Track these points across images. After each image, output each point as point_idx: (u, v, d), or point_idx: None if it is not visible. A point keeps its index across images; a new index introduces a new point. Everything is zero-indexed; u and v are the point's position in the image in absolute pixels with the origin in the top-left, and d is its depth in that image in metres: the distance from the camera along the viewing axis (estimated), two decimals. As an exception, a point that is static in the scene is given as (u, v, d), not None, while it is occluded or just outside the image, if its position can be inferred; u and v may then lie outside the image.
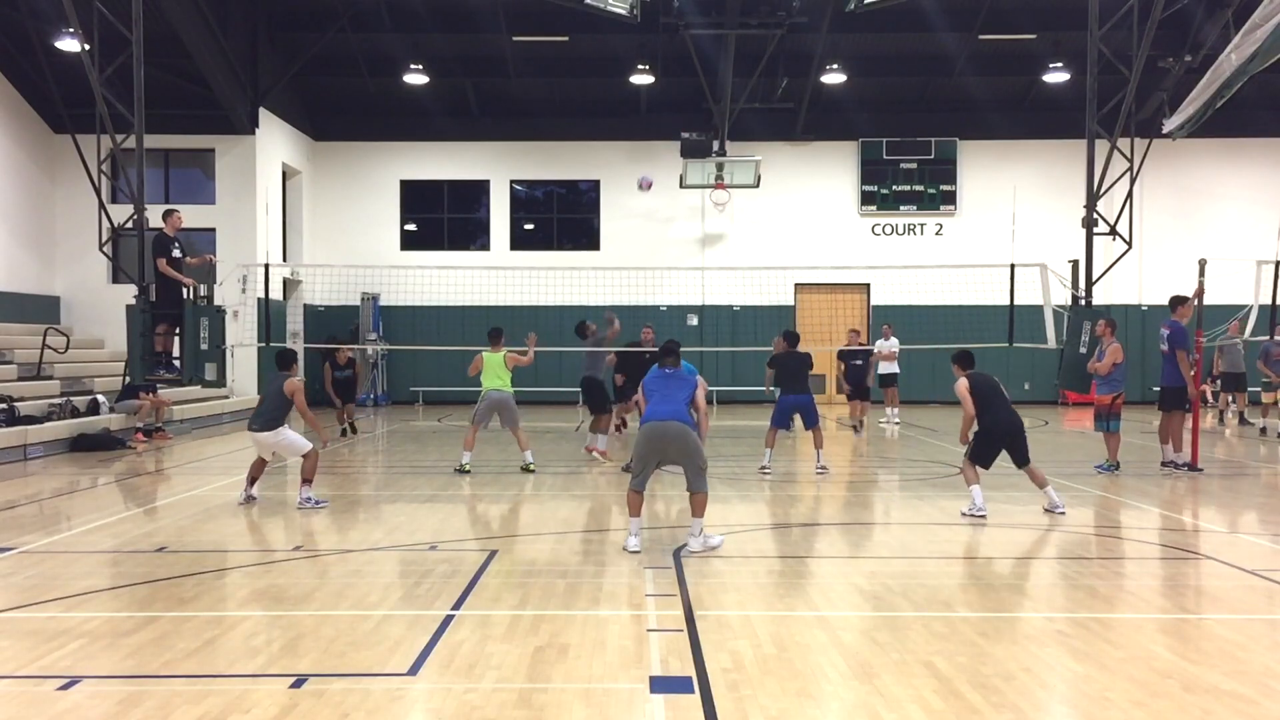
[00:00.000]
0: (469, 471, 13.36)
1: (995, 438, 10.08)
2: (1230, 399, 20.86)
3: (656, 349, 14.51)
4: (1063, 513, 10.02)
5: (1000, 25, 23.94)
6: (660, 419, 8.37)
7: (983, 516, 9.82)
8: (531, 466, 13.81)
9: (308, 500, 10.47)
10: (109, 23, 15.56)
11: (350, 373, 18.05)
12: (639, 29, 22.63)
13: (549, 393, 24.11)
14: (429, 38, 24.37)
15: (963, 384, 10.28)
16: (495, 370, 13.67)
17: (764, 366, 17.13)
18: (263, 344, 17.44)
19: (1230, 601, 6.98)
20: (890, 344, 20.83)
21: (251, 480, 10.83)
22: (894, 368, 21.02)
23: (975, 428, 10.22)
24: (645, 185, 14.01)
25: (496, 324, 14.68)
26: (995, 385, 10.31)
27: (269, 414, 10.55)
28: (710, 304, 26.32)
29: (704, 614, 6.42)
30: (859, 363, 19.17)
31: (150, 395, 17.27)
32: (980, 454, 10.11)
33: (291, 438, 10.62)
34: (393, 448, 17.07)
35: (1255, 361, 19.08)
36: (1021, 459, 10.14)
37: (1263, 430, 18.22)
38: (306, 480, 10.52)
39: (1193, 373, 13.30)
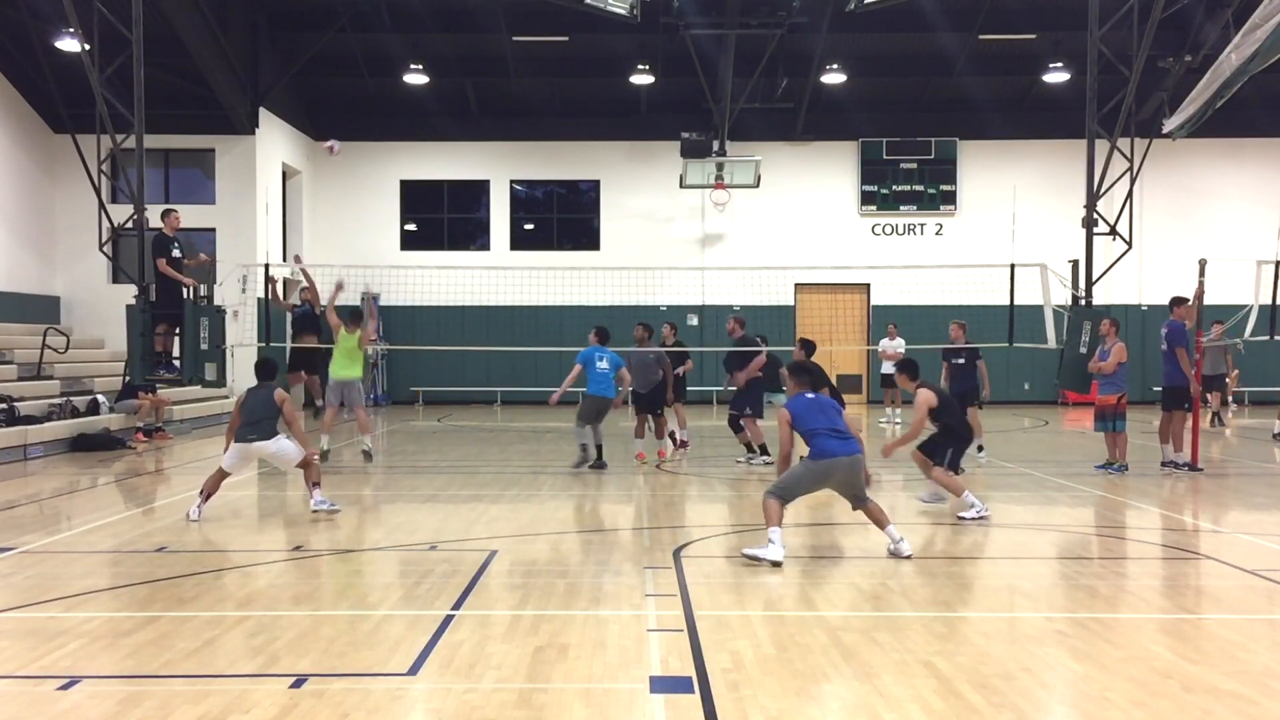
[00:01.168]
0: (328, 453, 13.64)
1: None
2: (1204, 399, 20.73)
3: (677, 347, 14.69)
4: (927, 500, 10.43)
5: (1000, 25, 23.93)
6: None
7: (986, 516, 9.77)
8: (369, 453, 13.96)
9: (323, 504, 10.07)
10: (109, 23, 15.55)
11: (308, 308, 15.95)
12: (639, 29, 22.62)
13: (548, 392, 24.04)
14: (429, 38, 24.37)
15: (929, 397, 10.05)
16: (347, 353, 13.44)
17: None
18: (263, 344, 17.42)
19: (1230, 601, 6.98)
20: (896, 344, 20.82)
21: (208, 495, 10.03)
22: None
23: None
24: (332, 150, 13.56)
25: (498, 323, 14.62)
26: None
27: (265, 423, 10.02)
28: (710, 304, 26.31)
29: (704, 614, 6.42)
30: (960, 361, 18.58)
31: (149, 395, 17.26)
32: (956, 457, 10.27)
33: (287, 446, 10.16)
34: (393, 448, 17.06)
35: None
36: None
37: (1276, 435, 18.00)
38: (316, 484, 10.13)
39: (1193, 372, 13.30)
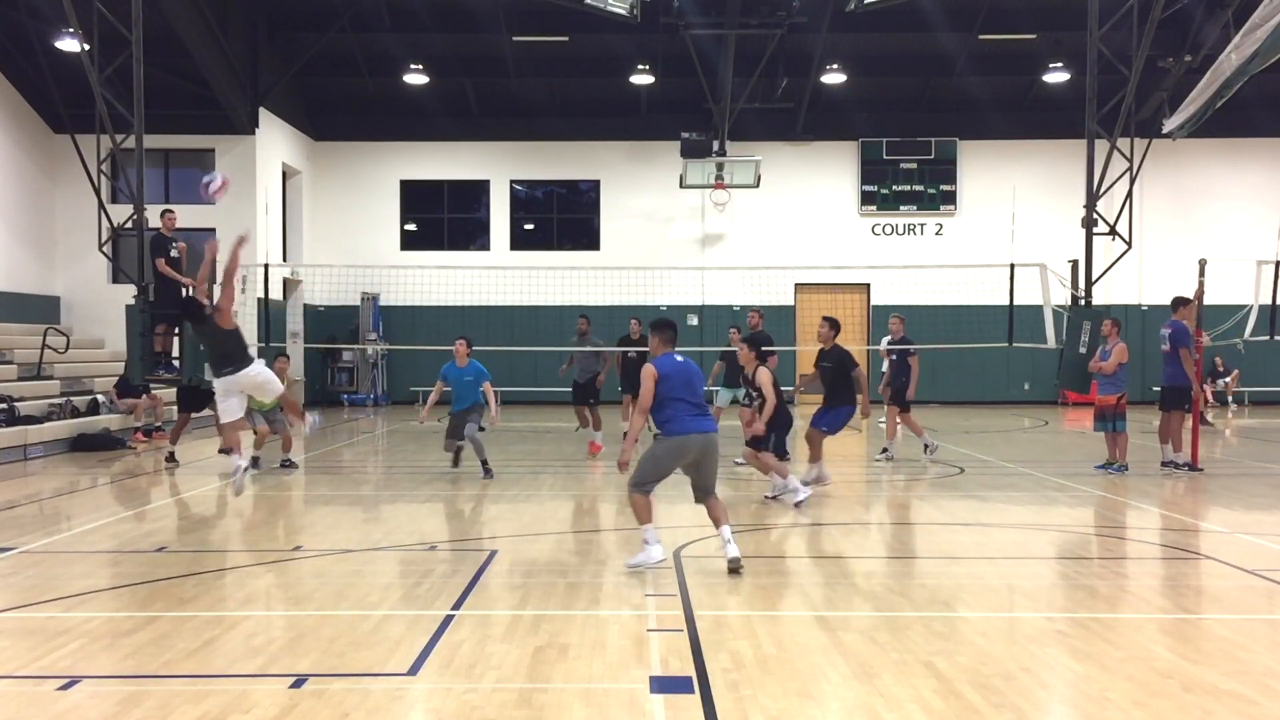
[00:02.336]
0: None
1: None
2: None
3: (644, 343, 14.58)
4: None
5: (1000, 25, 23.93)
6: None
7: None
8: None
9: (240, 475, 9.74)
10: (109, 23, 15.54)
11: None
12: (639, 29, 22.61)
13: (549, 393, 24.09)
14: (429, 38, 24.36)
15: (769, 375, 10.55)
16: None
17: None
18: (262, 344, 17.42)
19: (1230, 601, 6.98)
20: None
21: (239, 450, 9.97)
22: None
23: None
24: (211, 189, 10.96)
25: (498, 323, 14.62)
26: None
27: (235, 352, 9.64)
28: (710, 304, 26.31)
29: (704, 614, 6.42)
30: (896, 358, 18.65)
31: (146, 395, 17.28)
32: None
33: (270, 373, 10.02)
34: (393, 448, 17.07)
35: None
36: None
37: None
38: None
39: (1194, 372, 13.30)
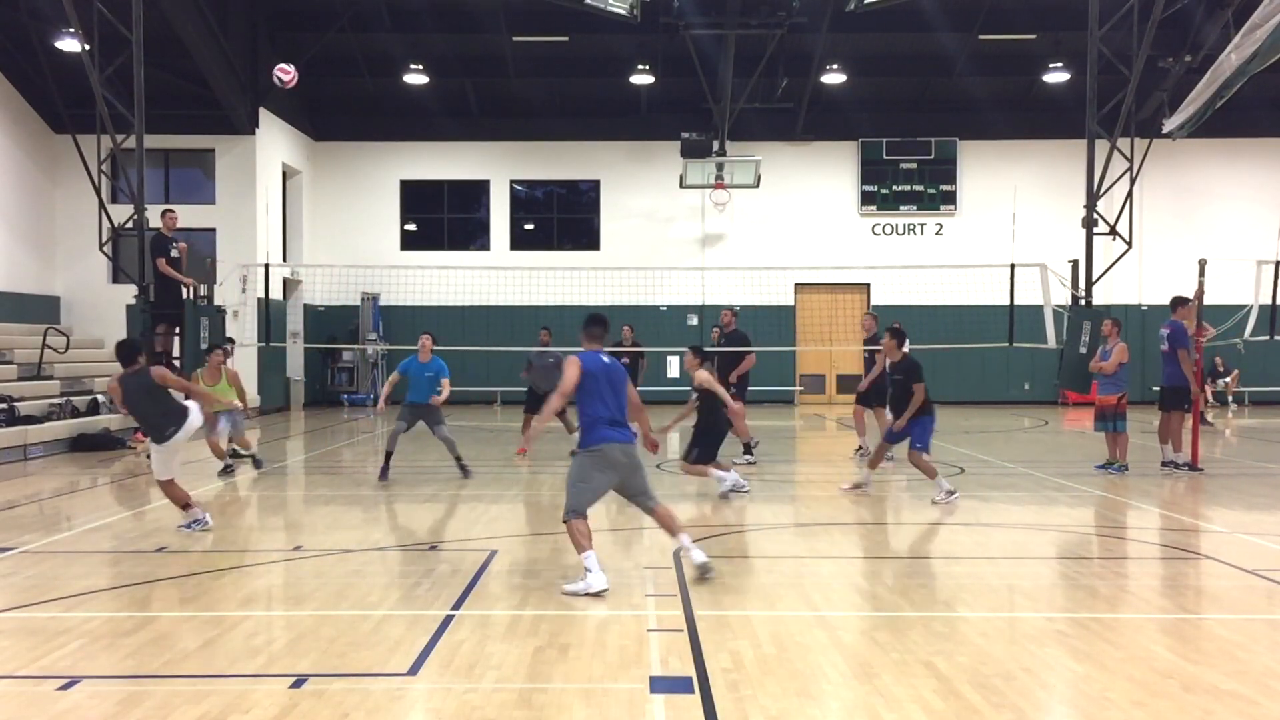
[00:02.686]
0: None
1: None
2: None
3: (636, 349, 14.60)
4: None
5: (1000, 25, 23.93)
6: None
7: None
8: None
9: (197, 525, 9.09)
10: (109, 23, 15.56)
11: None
12: (639, 29, 22.62)
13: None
14: (429, 38, 24.37)
15: (708, 379, 10.86)
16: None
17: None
18: (263, 344, 17.44)
19: (1230, 601, 6.98)
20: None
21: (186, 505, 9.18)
22: None
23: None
24: (283, 80, 11.71)
25: (498, 323, 14.55)
26: None
27: (169, 411, 8.97)
28: (710, 304, 26.30)
29: (704, 614, 6.42)
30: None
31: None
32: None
33: (195, 419, 9.12)
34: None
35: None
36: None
37: None
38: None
39: (1194, 372, 13.29)
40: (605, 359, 7.32)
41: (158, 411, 8.92)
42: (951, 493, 10.66)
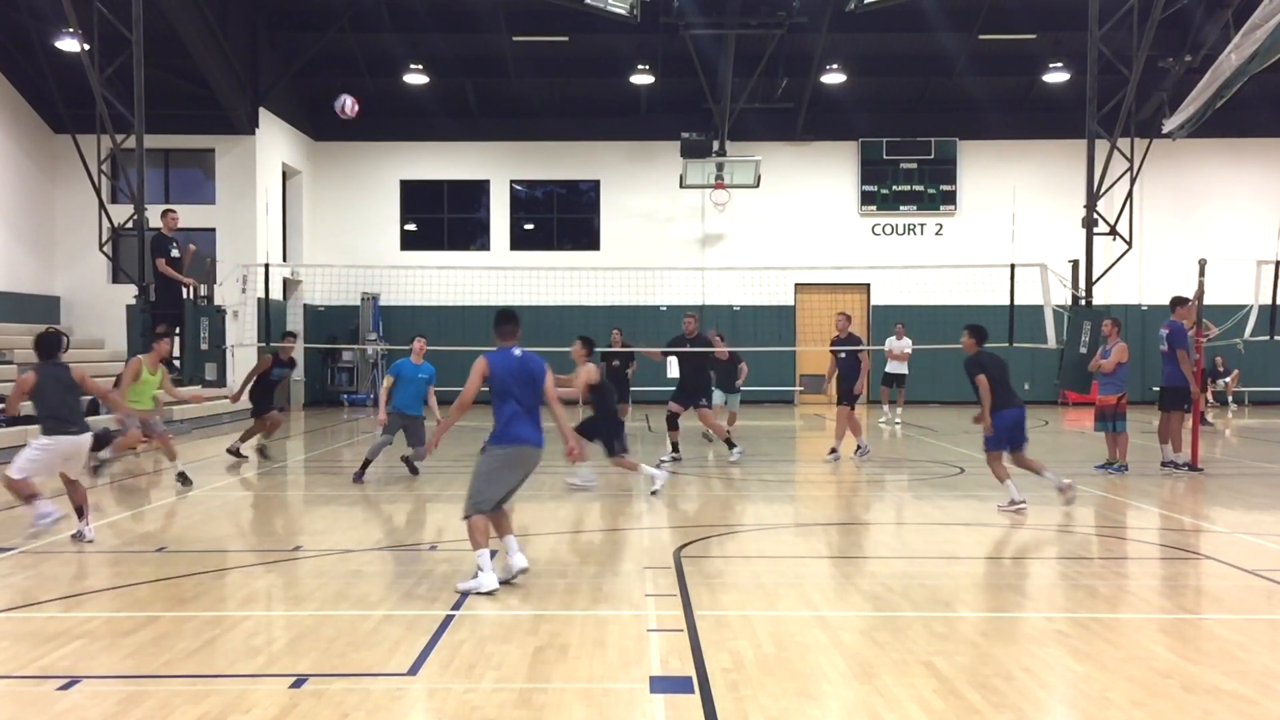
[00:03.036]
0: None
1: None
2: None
3: (695, 343, 14.63)
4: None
5: (1000, 25, 23.92)
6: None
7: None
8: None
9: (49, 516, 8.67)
10: (109, 23, 15.56)
11: (289, 373, 14.96)
12: (639, 29, 22.61)
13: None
14: (429, 38, 24.35)
15: (593, 373, 11.03)
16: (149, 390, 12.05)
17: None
18: (263, 344, 17.42)
19: (1230, 601, 6.98)
20: (903, 344, 20.82)
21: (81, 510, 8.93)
22: (903, 368, 21.00)
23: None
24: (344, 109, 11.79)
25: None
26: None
27: (78, 410, 8.87)
28: (710, 304, 26.31)
29: (704, 614, 6.42)
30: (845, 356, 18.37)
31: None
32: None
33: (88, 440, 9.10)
34: (392, 448, 17.02)
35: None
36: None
37: None
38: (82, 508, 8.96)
39: (1194, 372, 13.30)
40: (517, 354, 7.19)
41: (66, 409, 8.71)
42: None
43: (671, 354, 15.19)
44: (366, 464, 12.48)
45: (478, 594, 6.77)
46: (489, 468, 7.09)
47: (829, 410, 18.54)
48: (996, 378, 10.21)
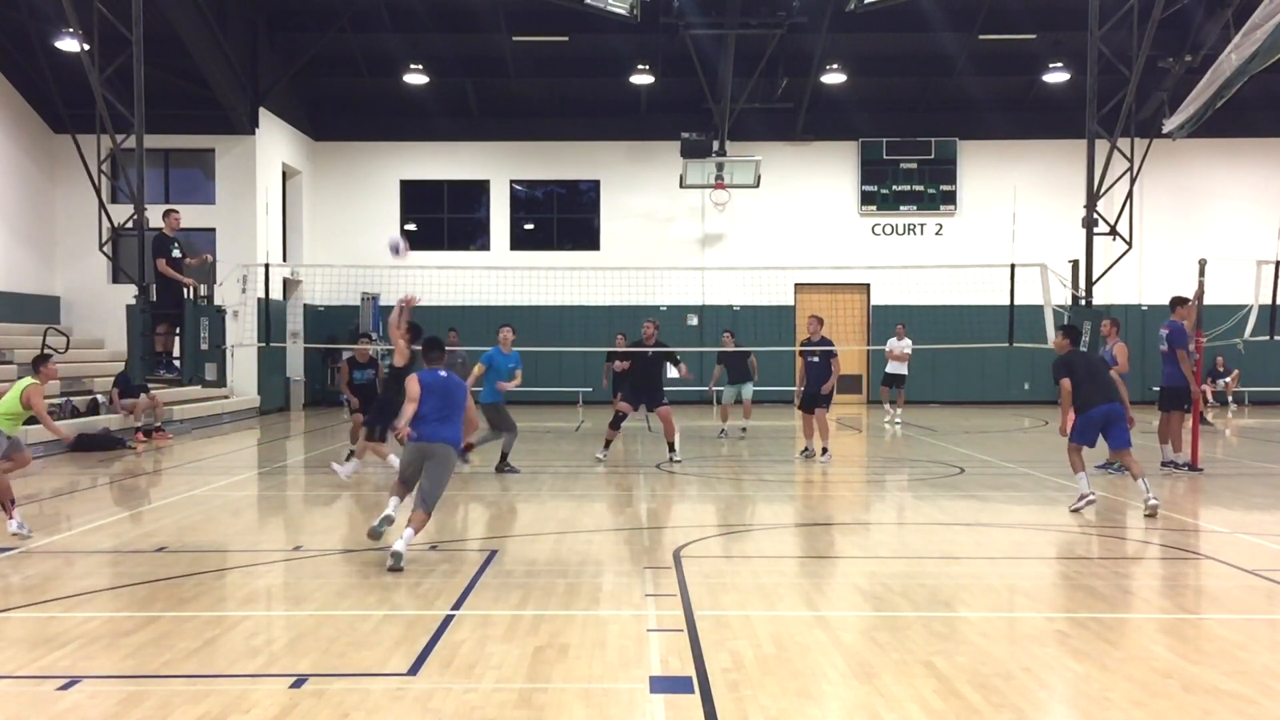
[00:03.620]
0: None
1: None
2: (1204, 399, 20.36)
3: (660, 347, 14.64)
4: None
5: (1000, 25, 23.92)
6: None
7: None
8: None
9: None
10: (109, 23, 15.56)
11: (373, 374, 14.34)
12: (639, 29, 22.61)
13: (550, 393, 24.11)
14: (429, 38, 24.36)
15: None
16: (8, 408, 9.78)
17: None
18: (263, 344, 17.44)
19: (1230, 601, 6.98)
20: (903, 344, 20.83)
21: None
22: (903, 369, 21.01)
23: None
24: (399, 249, 11.81)
25: (498, 323, 14.44)
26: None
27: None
28: (710, 304, 26.32)
29: (704, 614, 6.42)
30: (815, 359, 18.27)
31: (145, 395, 17.29)
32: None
33: None
34: (392, 448, 17.02)
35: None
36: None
37: None
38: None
39: (1193, 372, 13.30)
40: (442, 374, 8.33)
41: None
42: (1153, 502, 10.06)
43: (619, 355, 15.06)
44: (504, 456, 13.27)
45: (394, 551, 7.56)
46: (404, 456, 8.43)
47: (829, 411, 18.51)
48: (1083, 376, 10.35)
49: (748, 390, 17.92)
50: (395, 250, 12.24)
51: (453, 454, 8.19)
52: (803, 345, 14.90)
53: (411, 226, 27.48)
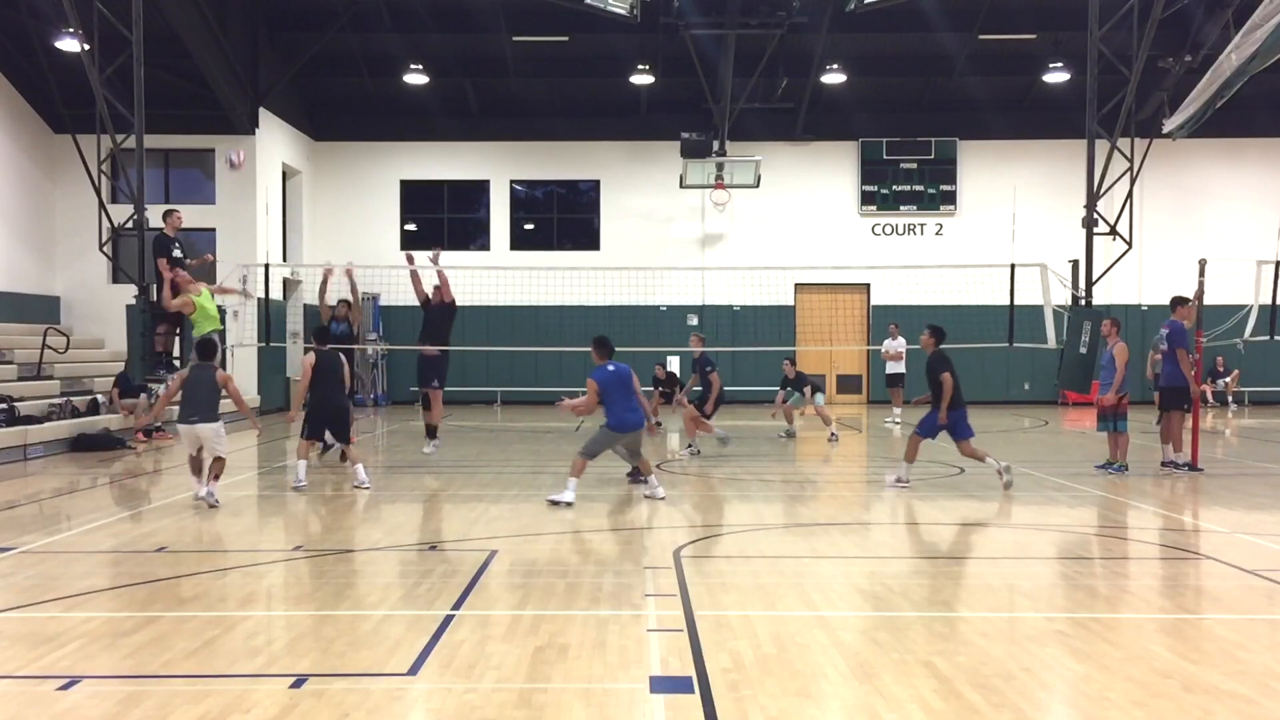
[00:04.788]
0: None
1: None
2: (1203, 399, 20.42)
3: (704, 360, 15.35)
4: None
5: (1000, 25, 23.93)
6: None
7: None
8: None
9: (210, 495, 10.46)
10: (109, 23, 15.55)
11: (347, 327, 15.19)
12: (639, 29, 22.61)
13: (549, 392, 24.10)
14: (429, 38, 24.36)
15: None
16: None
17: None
18: (263, 344, 17.43)
19: (1230, 601, 6.98)
20: (897, 344, 20.82)
21: (200, 473, 10.75)
22: (900, 367, 21.00)
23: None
24: (235, 162, 13.09)
25: (498, 323, 14.46)
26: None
27: (209, 405, 10.54)
28: (710, 304, 26.31)
29: (704, 614, 6.42)
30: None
31: (145, 395, 17.29)
32: None
33: (224, 436, 10.76)
34: (393, 447, 17.05)
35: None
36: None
37: None
38: (216, 477, 10.58)
39: (1193, 372, 13.30)
40: (610, 368, 10.74)
41: (204, 400, 10.60)
42: (1007, 470, 11.49)
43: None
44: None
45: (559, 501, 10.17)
46: (599, 438, 10.84)
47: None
48: (958, 375, 11.61)
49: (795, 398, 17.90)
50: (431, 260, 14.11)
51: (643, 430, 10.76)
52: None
53: (411, 226, 27.50)
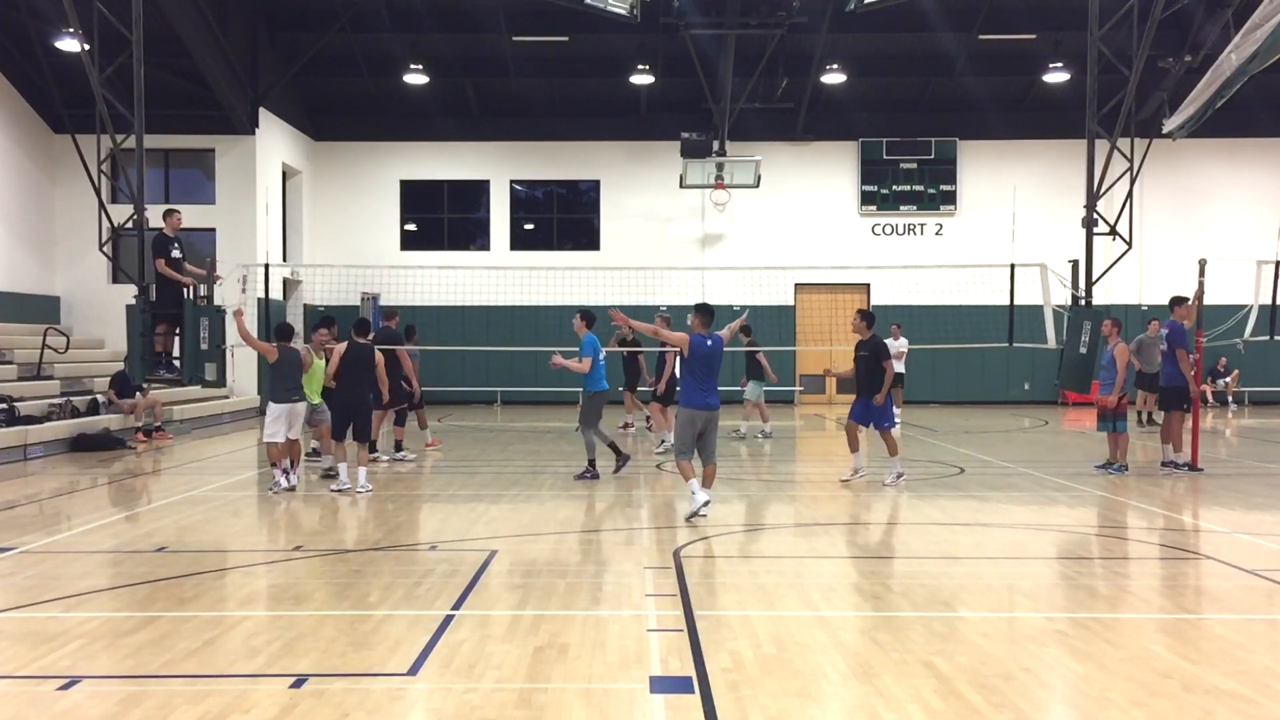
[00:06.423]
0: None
1: None
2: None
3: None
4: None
5: (1000, 25, 23.93)
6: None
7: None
8: None
9: (294, 484, 11.33)
10: (109, 23, 15.54)
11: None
12: (639, 29, 22.61)
13: (548, 392, 24.13)
14: (429, 38, 24.36)
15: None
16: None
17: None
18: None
19: (1230, 601, 6.98)
20: (899, 344, 20.82)
21: (286, 464, 11.35)
22: (900, 367, 21.00)
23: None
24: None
25: (498, 323, 14.47)
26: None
27: (299, 384, 11.52)
28: (710, 304, 26.26)
29: (704, 614, 6.42)
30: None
31: (144, 395, 17.29)
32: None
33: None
34: (392, 447, 17.01)
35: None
36: None
37: None
38: (294, 462, 11.36)
39: (1193, 372, 13.31)
40: (709, 342, 9.88)
41: (298, 380, 11.45)
42: (900, 475, 12.03)
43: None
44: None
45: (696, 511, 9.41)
46: (681, 427, 9.75)
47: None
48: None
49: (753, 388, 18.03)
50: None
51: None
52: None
53: (411, 226, 27.50)
